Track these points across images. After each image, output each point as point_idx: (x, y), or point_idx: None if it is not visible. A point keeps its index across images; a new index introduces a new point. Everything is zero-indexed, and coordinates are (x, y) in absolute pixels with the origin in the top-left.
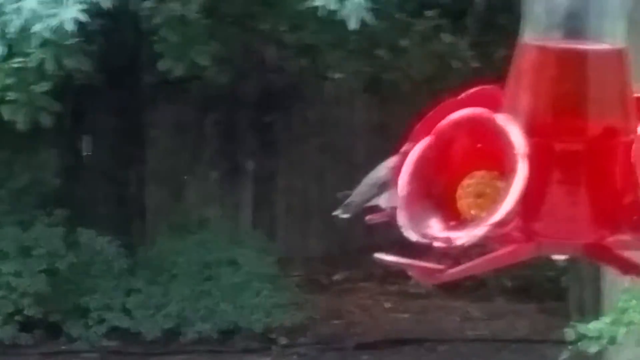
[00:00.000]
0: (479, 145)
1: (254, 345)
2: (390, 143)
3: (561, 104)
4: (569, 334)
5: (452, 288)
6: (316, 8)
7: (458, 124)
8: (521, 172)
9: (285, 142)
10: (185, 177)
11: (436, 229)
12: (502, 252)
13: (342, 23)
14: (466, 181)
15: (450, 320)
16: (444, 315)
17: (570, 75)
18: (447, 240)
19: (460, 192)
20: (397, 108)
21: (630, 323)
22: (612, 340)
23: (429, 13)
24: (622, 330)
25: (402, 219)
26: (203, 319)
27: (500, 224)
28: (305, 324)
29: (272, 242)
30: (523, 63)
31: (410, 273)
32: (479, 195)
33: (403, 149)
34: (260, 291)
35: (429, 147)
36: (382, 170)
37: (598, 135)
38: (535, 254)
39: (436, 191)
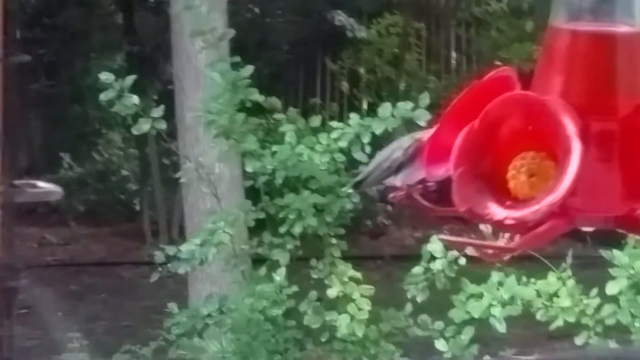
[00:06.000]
0: (527, 127)
1: None
2: None
3: (594, 86)
4: (159, 256)
5: (27, 215)
6: None
7: (505, 106)
8: (576, 152)
9: None
10: None
11: (494, 208)
12: (544, 228)
13: None
14: (518, 161)
15: (28, 247)
16: (21, 243)
17: (602, 58)
18: (515, 218)
19: (512, 172)
20: None
21: (219, 243)
22: (203, 261)
23: None
24: (212, 250)
25: (459, 200)
26: None
27: (559, 200)
28: None
29: None
30: (555, 46)
31: (476, 252)
32: (532, 174)
33: (417, 135)
34: None
35: (476, 129)
36: (398, 150)
37: (629, 113)
38: (569, 227)
39: (486, 172)
